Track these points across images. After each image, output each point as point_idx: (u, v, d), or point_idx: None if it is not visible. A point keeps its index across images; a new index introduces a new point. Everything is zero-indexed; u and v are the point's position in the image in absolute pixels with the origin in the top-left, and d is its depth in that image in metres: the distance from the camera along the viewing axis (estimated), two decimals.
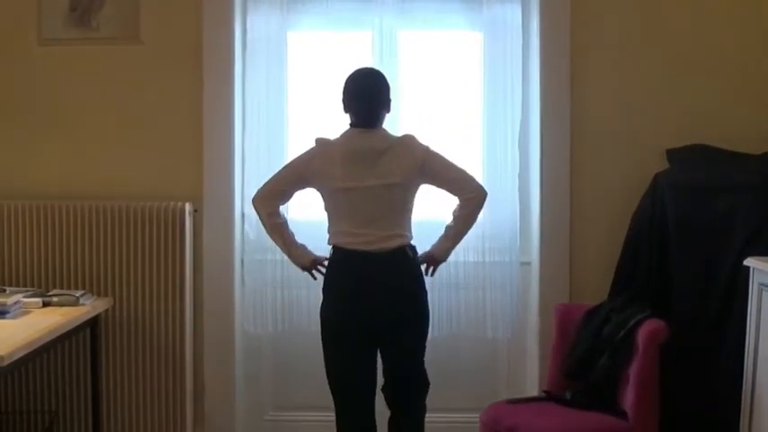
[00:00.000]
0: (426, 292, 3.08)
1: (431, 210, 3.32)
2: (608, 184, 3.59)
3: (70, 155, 3.70)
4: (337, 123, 3.36)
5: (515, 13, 3.63)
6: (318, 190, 3.09)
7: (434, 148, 3.07)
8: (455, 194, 3.09)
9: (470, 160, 3.60)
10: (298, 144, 3.66)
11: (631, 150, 3.57)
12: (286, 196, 3.12)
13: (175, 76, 3.66)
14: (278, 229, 3.13)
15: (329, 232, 3.07)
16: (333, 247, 3.05)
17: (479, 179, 3.22)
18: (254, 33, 3.66)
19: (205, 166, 3.65)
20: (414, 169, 3.00)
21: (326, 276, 3.07)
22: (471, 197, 3.07)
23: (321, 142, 3.08)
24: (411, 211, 3.08)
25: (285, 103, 3.68)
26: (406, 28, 3.69)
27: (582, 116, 3.59)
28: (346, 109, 3.08)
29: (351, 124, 3.07)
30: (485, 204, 3.14)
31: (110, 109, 3.69)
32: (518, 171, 3.64)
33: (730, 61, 3.58)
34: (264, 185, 3.13)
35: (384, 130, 3.07)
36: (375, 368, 3.08)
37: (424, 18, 3.67)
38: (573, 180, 3.59)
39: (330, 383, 3.08)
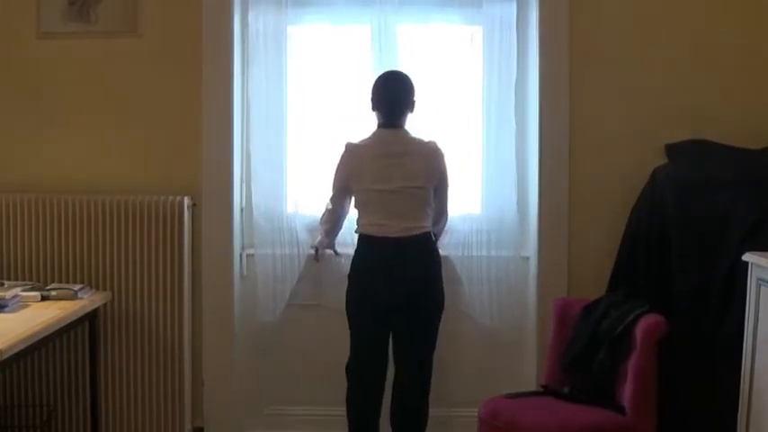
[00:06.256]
0: (442, 276, 3.33)
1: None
2: (607, 179, 3.59)
3: (69, 148, 3.69)
4: (337, 117, 3.38)
5: (512, 8, 3.63)
6: (352, 187, 3.35)
7: (449, 170, 3.39)
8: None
9: (469, 153, 3.65)
10: (297, 138, 3.70)
11: (630, 145, 3.57)
12: (345, 211, 3.45)
13: (174, 69, 3.65)
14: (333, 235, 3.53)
15: (358, 223, 3.35)
16: (360, 235, 3.31)
17: (478, 172, 3.64)
18: (254, 27, 3.66)
19: (204, 160, 3.65)
20: (434, 178, 3.33)
21: (354, 258, 3.32)
22: (439, 227, 3.45)
23: (350, 147, 3.35)
24: (432, 206, 3.35)
25: (285, 97, 3.67)
26: (405, 22, 3.68)
27: (581, 111, 3.58)
28: (374, 108, 3.34)
29: (378, 125, 3.33)
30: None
31: (108, 102, 3.68)
32: (515, 156, 3.65)
33: (729, 56, 3.57)
34: (330, 210, 3.47)
35: (408, 131, 3.34)
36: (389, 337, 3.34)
37: (423, 13, 3.67)
38: (572, 174, 3.59)
39: (352, 336, 3.36)
